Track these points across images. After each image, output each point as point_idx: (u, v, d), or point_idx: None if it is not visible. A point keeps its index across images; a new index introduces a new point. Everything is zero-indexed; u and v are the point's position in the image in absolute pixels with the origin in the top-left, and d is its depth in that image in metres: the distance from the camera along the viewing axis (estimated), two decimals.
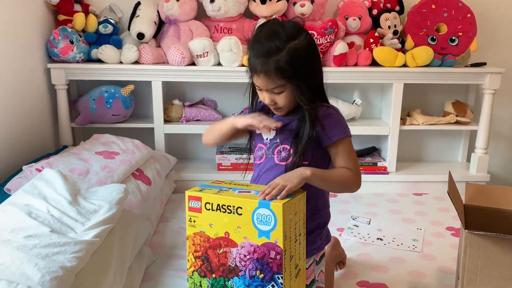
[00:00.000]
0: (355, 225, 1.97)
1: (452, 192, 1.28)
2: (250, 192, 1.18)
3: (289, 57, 1.16)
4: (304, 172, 1.15)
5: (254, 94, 1.32)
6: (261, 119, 1.23)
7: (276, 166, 1.27)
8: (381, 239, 1.86)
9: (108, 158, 1.95)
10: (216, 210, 1.17)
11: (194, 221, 1.20)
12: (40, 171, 1.68)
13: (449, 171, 1.44)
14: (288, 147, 1.25)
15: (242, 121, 1.26)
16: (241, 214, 1.14)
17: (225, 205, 1.15)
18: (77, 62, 2.28)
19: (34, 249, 1.20)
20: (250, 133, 1.35)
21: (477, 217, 1.40)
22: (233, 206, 1.14)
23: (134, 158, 2.03)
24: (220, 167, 2.45)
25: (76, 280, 1.20)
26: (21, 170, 1.80)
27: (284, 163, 1.26)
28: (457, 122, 2.48)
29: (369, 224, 1.99)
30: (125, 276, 1.45)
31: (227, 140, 1.36)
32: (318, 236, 1.33)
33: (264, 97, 1.24)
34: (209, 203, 1.17)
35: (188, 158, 2.65)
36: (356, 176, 1.23)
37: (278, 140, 1.28)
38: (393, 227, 1.96)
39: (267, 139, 1.30)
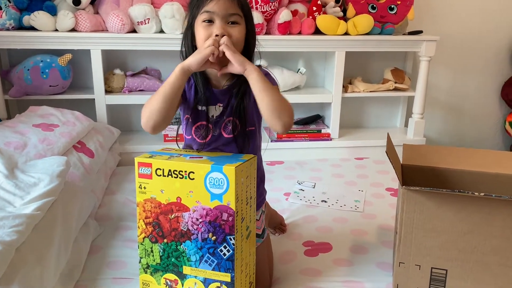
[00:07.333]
0: (301, 189, 2.03)
1: (390, 152, 1.34)
2: (201, 157, 1.18)
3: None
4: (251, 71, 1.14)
5: (192, 41, 1.21)
6: (212, 42, 1.12)
7: (225, 139, 1.27)
8: (325, 201, 1.93)
9: (47, 130, 1.87)
10: (168, 176, 1.16)
11: (145, 188, 1.19)
12: None
13: (388, 133, 1.50)
14: (232, 118, 1.24)
15: (197, 59, 1.11)
16: (193, 179, 1.14)
17: (176, 170, 1.15)
18: (8, 30, 2.13)
19: None
20: (184, 107, 1.27)
21: (414, 176, 1.48)
22: (185, 171, 1.14)
23: (74, 130, 1.96)
24: (166, 138, 2.42)
25: (18, 254, 1.15)
26: None
27: (231, 135, 1.26)
28: (396, 89, 2.58)
29: (314, 188, 2.06)
30: (70, 249, 1.42)
31: (177, 105, 1.21)
32: (261, 189, 1.39)
33: (215, 28, 1.14)
34: (160, 169, 1.16)
35: (132, 130, 2.59)
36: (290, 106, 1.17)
37: (224, 117, 1.26)
38: (336, 190, 2.04)
39: (212, 116, 1.25)
